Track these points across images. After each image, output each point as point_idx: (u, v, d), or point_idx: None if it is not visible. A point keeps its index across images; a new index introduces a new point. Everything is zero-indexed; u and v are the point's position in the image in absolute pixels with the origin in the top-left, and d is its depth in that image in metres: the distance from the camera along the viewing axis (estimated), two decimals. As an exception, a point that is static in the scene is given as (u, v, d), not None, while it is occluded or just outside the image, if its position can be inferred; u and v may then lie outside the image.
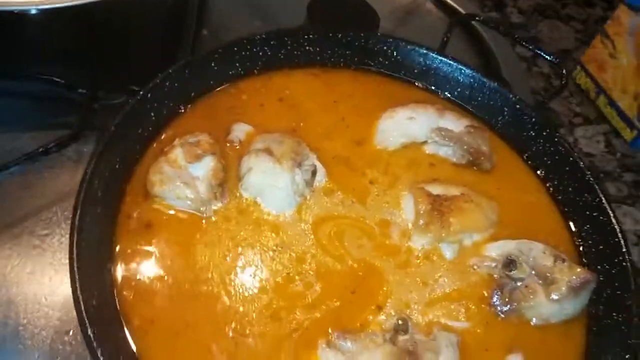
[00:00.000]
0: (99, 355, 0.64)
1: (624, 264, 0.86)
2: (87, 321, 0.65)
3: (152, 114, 0.90)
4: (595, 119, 1.45)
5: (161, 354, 0.71)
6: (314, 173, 0.89)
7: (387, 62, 1.09)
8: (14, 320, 0.86)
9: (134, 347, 0.71)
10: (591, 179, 0.94)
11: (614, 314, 0.83)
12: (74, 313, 0.79)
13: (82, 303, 0.66)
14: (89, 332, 0.65)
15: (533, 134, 1.02)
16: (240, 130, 0.93)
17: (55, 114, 1.08)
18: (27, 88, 1.08)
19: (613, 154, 1.38)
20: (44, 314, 0.88)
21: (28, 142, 1.02)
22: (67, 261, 0.71)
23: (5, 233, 0.94)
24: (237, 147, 0.92)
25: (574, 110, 1.46)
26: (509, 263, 0.84)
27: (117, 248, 0.78)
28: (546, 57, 1.11)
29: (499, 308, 0.83)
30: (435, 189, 0.91)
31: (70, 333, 0.86)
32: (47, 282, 0.91)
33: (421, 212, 0.88)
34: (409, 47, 1.07)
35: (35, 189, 0.99)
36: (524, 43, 1.15)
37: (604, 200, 0.92)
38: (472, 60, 1.38)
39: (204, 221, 0.84)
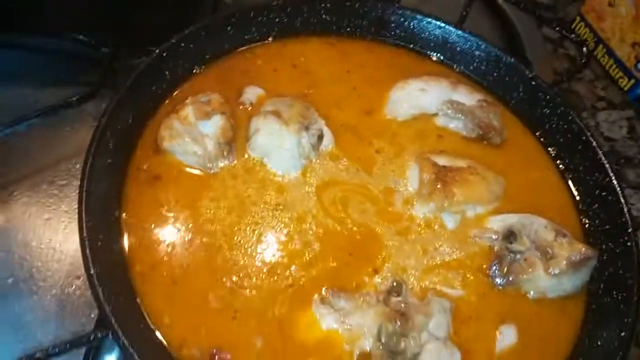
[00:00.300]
0: (99, 292, 0.66)
1: (629, 243, 0.85)
2: (90, 260, 0.68)
3: (167, 73, 0.92)
4: (620, 103, 1.42)
5: (160, 298, 0.74)
6: (320, 137, 0.90)
7: (403, 34, 1.09)
8: (29, 263, 0.91)
9: (134, 290, 0.74)
10: (603, 158, 0.94)
11: (615, 292, 0.83)
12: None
13: (87, 243, 0.70)
14: (92, 270, 0.68)
15: (547, 111, 1.01)
16: (252, 93, 0.95)
17: (78, 71, 1.12)
18: (53, 45, 1.12)
19: (635, 139, 1.35)
20: (57, 258, 0.92)
21: (50, 96, 1.05)
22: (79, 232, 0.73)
23: (25, 181, 0.98)
24: (249, 109, 0.94)
25: (598, 95, 1.43)
26: (509, 235, 0.84)
27: (126, 197, 0.81)
28: (567, 35, 1.09)
29: (496, 279, 0.84)
30: (442, 160, 0.91)
31: (81, 278, 0.90)
32: (61, 230, 0.95)
33: (425, 181, 0.88)
34: (426, 19, 1.07)
35: (55, 141, 1.04)
36: (542, 19, 1.13)
37: (614, 180, 0.91)
38: (496, 39, 1.36)
39: (210, 176, 0.86)
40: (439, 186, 0.87)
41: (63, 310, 0.87)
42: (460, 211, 0.89)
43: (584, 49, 1.07)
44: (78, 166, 1.00)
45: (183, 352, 0.71)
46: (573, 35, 1.12)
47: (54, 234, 0.94)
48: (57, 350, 0.65)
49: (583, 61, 1.08)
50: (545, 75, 1.13)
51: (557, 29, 1.25)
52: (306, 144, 0.88)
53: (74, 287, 0.90)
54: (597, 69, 1.49)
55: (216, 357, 0.71)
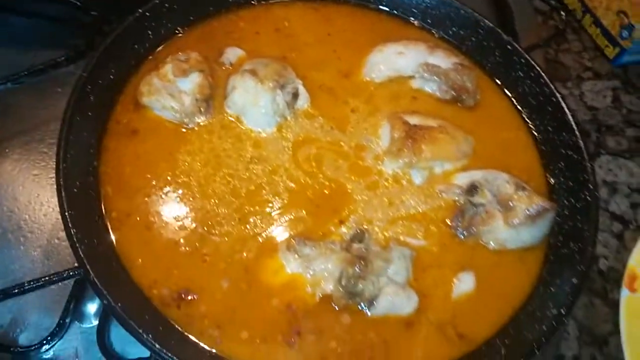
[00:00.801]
0: (72, 232, 0.71)
1: (589, 199, 0.88)
2: (65, 202, 0.73)
3: (150, 32, 0.96)
4: (606, 74, 1.43)
5: (133, 242, 0.79)
6: (295, 95, 0.94)
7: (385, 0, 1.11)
8: (17, 215, 0.96)
9: (109, 235, 0.78)
10: (571, 118, 0.96)
11: (572, 244, 0.86)
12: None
13: (62, 187, 0.74)
14: (66, 212, 0.72)
15: (521, 74, 1.04)
16: (232, 54, 0.99)
17: (68, 35, 1.17)
18: (43, 9, 1.16)
19: (619, 109, 1.37)
20: (44, 212, 0.97)
21: (41, 58, 1.10)
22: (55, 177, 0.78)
23: (16, 139, 1.04)
24: (229, 69, 0.97)
25: (585, 65, 1.45)
26: (472, 189, 0.88)
27: (104, 149, 0.86)
28: (545, 1, 1.11)
29: (458, 231, 0.87)
30: (414, 120, 0.95)
31: (63, 234, 0.95)
32: (49, 185, 1.00)
33: (395, 138, 0.92)
34: (407, -16, 1.09)
35: (46, 101, 1.08)
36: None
37: (579, 140, 0.94)
38: (487, 11, 1.38)
39: (187, 131, 0.90)
40: (408, 143, 0.91)
41: (49, 260, 0.92)
42: (428, 167, 0.92)
43: (562, 14, 1.09)
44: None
45: (153, 292, 0.76)
46: (553, 2, 1.13)
47: (41, 189, 0.99)
48: (32, 285, 0.70)
49: (560, 27, 1.09)
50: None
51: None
52: (281, 101, 0.92)
53: (59, 239, 0.94)
54: (586, 41, 1.51)
55: (182, 296, 0.75)
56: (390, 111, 0.98)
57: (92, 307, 0.87)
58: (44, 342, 0.82)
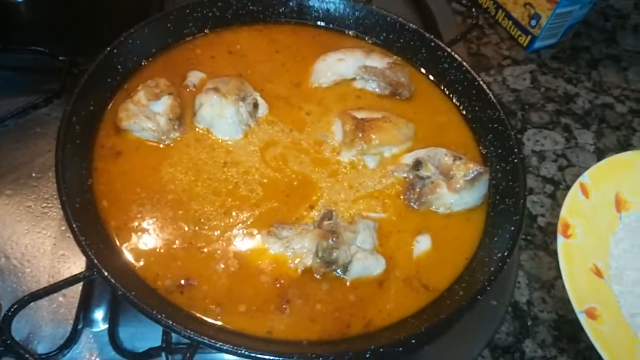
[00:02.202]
0: (82, 241, 0.82)
1: (515, 161, 1.04)
2: (70, 216, 0.84)
3: (119, 66, 1.08)
4: (523, 60, 1.63)
5: (135, 246, 0.90)
6: (255, 105, 1.07)
7: (320, 16, 1.27)
8: (18, 243, 1.05)
9: (111, 240, 0.89)
10: (492, 97, 1.12)
11: (507, 200, 1.01)
12: (67, 236, 1.00)
13: (66, 204, 0.85)
14: (73, 224, 0.83)
15: (447, 66, 1.20)
16: (194, 77, 1.12)
17: (41, 81, 1.27)
18: (16, 60, 1.27)
19: (537, 88, 1.56)
20: (42, 238, 1.06)
21: (19, 104, 1.20)
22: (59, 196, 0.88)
23: (6, 177, 1.13)
24: (193, 90, 1.10)
25: (504, 54, 1.64)
26: (417, 164, 1.02)
27: (95, 169, 0.97)
28: (459, 2, 1.29)
29: (411, 202, 1.02)
30: (360, 114, 1.09)
31: (65, 254, 1.05)
32: (42, 215, 1.09)
33: (347, 131, 1.06)
34: (338, 1, 1.25)
35: (29, 141, 1.19)
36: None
37: (502, 114, 1.10)
38: (412, 17, 1.55)
39: (165, 147, 1.02)
40: (359, 134, 1.05)
41: (53, 278, 1.02)
42: (378, 153, 1.06)
43: (473, 10, 1.27)
44: (51, 160, 1.14)
45: (157, 283, 0.87)
46: (464, 1, 1.31)
47: (36, 218, 1.09)
48: (55, 288, 0.81)
49: (474, 22, 1.27)
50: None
51: (457, 1, 1.44)
52: (244, 112, 1.05)
53: (59, 260, 1.04)
54: (502, 33, 1.70)
55: (184, 283, 0.87)
56: (339, 110, 1.12)
57: (99, 314, 0.97)
58: (61, 348, 0.92)
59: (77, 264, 1.03)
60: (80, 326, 0.95)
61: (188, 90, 1.11)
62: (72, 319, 0.95)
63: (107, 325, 0.96)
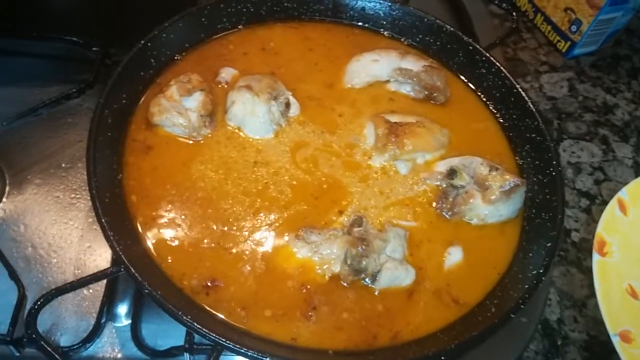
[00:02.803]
0: (110, 236, 0.81)
1: (554, 173, 1.01)
2: (100, 211, 0.83)
3: (152, 60, 1.07)
4: (561, 67, 1.58)
5: (162, 243, 0.89)
6: (287, 105, 1.06)
7: (356, 15, 1.25)
8: (45, 233, 1.05)
9: (139, 236, 0.89)
10: (531, 106, 1.09)
11: (543, 214, 0.98)
12: (94, 228, 1.00)
13: (96, 199, 0.84)
14: (102, 219, 0.82)
15: (484, 71, 1.17)
16: (227, 73, 1.11)
17: (74, 71, 1.27)
18: (50, 49, 1.27)
19: (575, 97, 1.51)
20: (70, 229, 1.06)
21: (52, 93, 1.20)
22: (87, 188, 0.87)
23: (36, 166, 1.13)
24: (225, 87, 1.09)
25: (541, 60, 1.59)
26: (451, 173, 1.00)
27: (125, 164, 0.96)
28: (498, 5, 1.25)
29: (443, 211, 0.99)
30: (393, 118, 1.07)
31: (92, 246, 1.04)
32: (70, 205, 1.09)
33: (380, 135, 1.04)
34: (374, 0, 1.22)
35: (60, 131, 1.19)
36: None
37: (541, 124, 1.07)
38: (448, 17, 1.52)
39: (196, 144, 1.01)
40: (392, 138, 1.03)
41: (79, 270, 1.01)
42: (411, 159, 1.04)
43: (514, 14, 1.23)
44: (81, 151, 1.15)
45: (184, 283, 0.86)
46: (504, 5, 1.27)
47: (64, 209, 1.08)
48: (81, 283, 0.80)
49: (514, 26, 1.23)
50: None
51: (495, 2, 1.41)
52: (275, 111, 1.03)
53: (85, 251, 1.04)
54: (540, 38, 1.66)
55: (210, 284, 0.86)
56: (372, 112, 1.10)
57: (122, 309, 0.97)
58: (84, 341, 0.91)
59: (102, 256, 1.03)
60: (103, 320, 0.94)
61: (220, 86, 1.10)
62: (95, 313, 0.95)
63: (130, 321, 0.95)
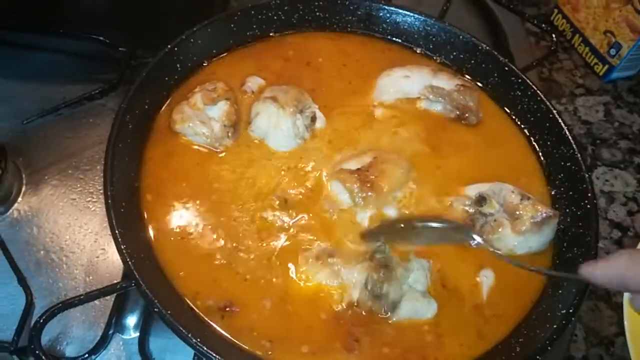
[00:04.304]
0: (122, 249, 0.79)
1: (589, 206, 0.96)
2: (114, 222, 0.80)
3: (178, 65, 1.05)
4: (597, 90, 1.52)
5: (175, 255, 0.86)
6: (313, 119, 1.02)
7: (389, 28, 1.21)
8: (58, 237, 1.03)
9: (152, 248, 0.86)
10: (567, 133, 1.04)
11: (575, 249, 0.93)
12: (109, 234, 0.97)
13: (111, 209, 0.82)
14: (116, 231, 0.80)
15: (519, 93, 1.12)
16: (253, 82, 1.07)
17: (99, 70, 1.25)
18: (76, 46, 1.25)
19: (611, 122, 1.45)
20: (83, 233, 1.04)
21: (75, 92, 1.18)
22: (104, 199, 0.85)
23: (54, 166, 1.11)
24: (251, 97, 1.06)
25: (577, 82, 1.54)
26: (480, 200, 0.95)
27: (144, 171, 0.94)
28: (538, 25, 1.20)
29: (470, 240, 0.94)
30: (349, 165, 0.98)
31: (106, 251, 1.02)
32: (86, 209, 1.07)
33: (353, 190, 0.95)
34: (408, 14, 1.18)
35: (81, 131, 1.16)
36: (521, 14, 1.24)
37: (577, 152, 1.02)
38: (482, 35, 1.47)
39: (218, 154, 0.98)
40: (367, 186, 0.94)
41: (90, 277, 0.99)
42: (394, 199, 0.97)
43: (553, 36, 1.18)
44: (101, 154, 1.12)
45: (197, 303, 0.83)
46: (544, 25, 1.22)
47: (79, 212, 1.06)
48: (89, 298, 0.77)
49: (552, 48, 1.18)
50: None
51: (533, 21, 1.36)
52: (300, 125, 1.00)
53: (98, 257, 1.01)
54: (577, 60, 1.60)
55: (226, 309, 0.82)
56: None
57: (131, 320, 0.94)
58: (90, 352, 0.89)
59: (115, 264, 1.00)
60: (111, 331, 0.92)
61: (245, 96, 1.06)
62: (103, 323, 0.92)
63: (138, 334, 0.92)
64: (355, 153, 1.01)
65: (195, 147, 0.98)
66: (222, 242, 0.89)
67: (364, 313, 0.85)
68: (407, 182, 0.99)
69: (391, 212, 0.96)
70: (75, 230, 1.04)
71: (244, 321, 0.82)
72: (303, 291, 0.86)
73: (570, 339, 1.04)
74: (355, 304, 0.86)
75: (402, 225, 0.90)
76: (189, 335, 0.73)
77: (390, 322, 0.85)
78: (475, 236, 0.89)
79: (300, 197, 0.96)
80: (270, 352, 0.80)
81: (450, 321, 0.86)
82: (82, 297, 0.76)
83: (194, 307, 0.82)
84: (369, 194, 0.93)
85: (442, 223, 0.91)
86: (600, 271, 0.70)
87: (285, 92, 1.02)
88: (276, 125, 0.98)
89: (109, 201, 0.82)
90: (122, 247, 0.79)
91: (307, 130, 1.01)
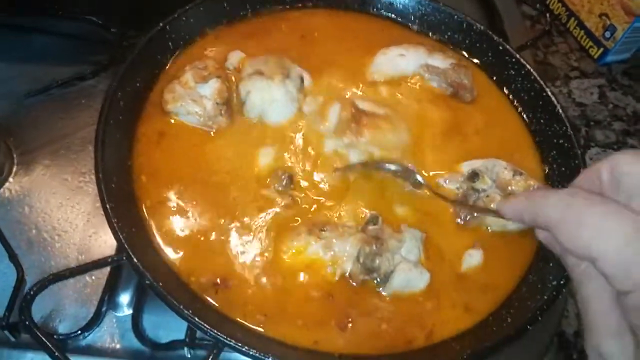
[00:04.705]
0: (114, 223, 0.78)
1: (581, 182, 0.95)
2: (105, 196, 0.80)
3: (170, 43, 1.04)
4: (592, 73, 1.52)
5: (168, 230, 0.86)
6: (302, 79, 1.02)
7: (383, 8, 1.21)
8: (50, 216, 1.02)
9: (145, 223, 0.85)
10: (560, 110, 1.04)
11: (567, 224, 0.93)
12: (101, 214, 0.96)
13: (102, 183, 0.81)
14: (107, 205, 0.79)
15: (513, 72, 1.12)
16: (234, 58, 1.06)
17: (90, 52, 1.25)
18: (67, 28, 1.25)
19: (605, 104, 1.46)
20: (75, 213, 1.03)
21: (66, 73, 1.18)
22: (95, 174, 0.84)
23: (46, 147, 1.11)
24: (233, 73, 1.04)
25: (572, 65, 1.54)
26: (473, 175, 0.95)
27: (136, 149, 0.93)
28: (531, 6, 1.20)
29: (461, 215, 0.94)
30: (364, 104, 1.01)
31: (98, 232, 1.02)
32: (78, 189, 1.06)
33: (342, 119, 0.98)
34: (403, -7, 1.18)
35: (72, 112, 1.16)
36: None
37: (569, 130, 1.02)
38: (477, 17, 1.46)
39: (211, 132, 0.97)
40: (352, 125, 0.96)
41: (82, 255, 0.99)
42: (366, 151, 0.97)
43: (547, 16, 1.18)
44: (92, 134, 1.12)
45: (191, 279, 0.82)
46: (538, 5, 1.22)
47: (71, 192, 1.05)
48: (80, 270, 0.77)
49: (546, 28, 1.18)
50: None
51: (529, 3, 1.36)
52: (292, 89, 0.99)
53: (90, 236, 1.01)
54: (572, 43, 1.60)
55: (219, 282, 0.82)
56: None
57: (124, 298, 0.94)
58: (83, 329, 0.88)
59: (108, 243, 1.00)
60: (104, 309, 0.91)
61: (229, 72, 1.05)
62: (96, 300, 0.92)
63: (131, 311, 0.92)
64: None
65: (189, 125, 0.97)
66: (219, 219, 0.88)
67: (355, 284, 0.84)
68: (393, 149, 0.98)
69: (353, 156, 0.96)
70: (68, 210, 1.04)
71: (238, 296, 0.82)
72: (296, 265, 0.85)
73: (562, 314, 1.04)
74: (348, 275, 0.85)
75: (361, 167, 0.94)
76: (181, 307, 0.72)
77: (386, 297, 0.85)
78: (418, 177, 0.92)
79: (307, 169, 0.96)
80: (263, 325, 0.79)
81: (440, 292, 0.86)
82: (73, 269, 0.76)
83: (188, 283, 0.81)
84: (348, 132, 0.96)
85: (395, 165, 0.93)
86: (510, 205, 0.71)
87: (265, 62, 1.01)
88: (271, 98, 0.98)
89: (100, 175, 0.81)
90: (114, 220, 0.78)
91: (299, 92, 1.01)
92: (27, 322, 0.72)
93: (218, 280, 0.83)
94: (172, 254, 0.84)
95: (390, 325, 0.83)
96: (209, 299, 0.81)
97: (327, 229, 0.88)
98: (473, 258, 0.90)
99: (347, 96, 1.05)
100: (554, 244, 0.69)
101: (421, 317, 0.84)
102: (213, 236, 0.87)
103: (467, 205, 0.93)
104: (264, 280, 0.84)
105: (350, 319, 0.82)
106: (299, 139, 0.98)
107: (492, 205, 0.92)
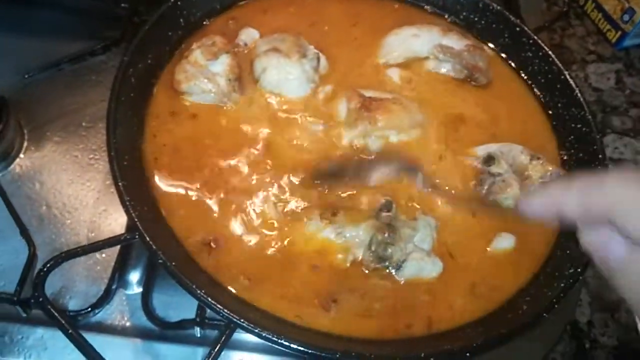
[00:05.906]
0: (126, 201, 0.77)
1: (599, 167, 0.94)
2: (118, 175, 0.79)
3: (182, 20, 1.02)
4: (610, 57, 1.49)
5: (178, 207, 0.85)
6: (318, 59, 1.00)
7: (400, -13, 1.18)
8: (61, 193, 1.02)
9: (158, 203, 0.85)
10: (579, 94, 1.02)
11: (584, 210, 0.91)
12: (111, 191, 0.96)
13: (115, 161, 0.80)
14: (119, 183, 0.78)
15: (530, 54, 1.10)
16: (247, 35, 1.04)
17: (101, 27, 1.23)
18: (78, 3, 1.23)
19: (622, 90, 1.43)
20: (86, 190, 1.03)
21: (77, 49, 1.16)
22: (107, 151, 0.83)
23: (56, 122, 1.10)
24: (245, 52, 1.03)
25: (589, 49, 1.51)
26: (489, 159, 0.93)
27: (148, 127, 0.92)
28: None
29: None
30: (369, 93, 0.99)
31: (107, 209, 1.01)
32: (89, 166, 1.05)
33: (351, 109, 0.96)
34: (416, -28, 1.15)
35: (83, 88, 1.15)
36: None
37: (588, 114, 1.00)
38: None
39: (226, 108, 0.96)
40: (364, 113, 0.94)
41: (92, 233, 0.98)
42: (383, 136, 0.96)
43: (565, -2, 1.15)
44: (103, 111, 1.10)
45: (188, 240, 0.82)
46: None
47: (82, 169, 1.05)
48: (93, 247, 0.76)
49: (564, 10, 1.15)
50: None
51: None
52: (309, 68, 0.98)
53: (100, 214, 1.00)
54: (589, 26, 1.57)
55: (211, 243, 0.82)
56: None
57: (134, 276, 0.93)
58: (93, 307, 0.88)
59: (118, 221, 0.99)
60: (114, 286, 0.91)
61: (240, 49, 1.03)
62: (107, 278, 0.91)
63: (141, 289, 0.92)
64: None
65: (201, 104, 0.96)
66: (233, 197, 0.88)
67: (367, 271, 0.83)
68: (410, 128, 0.97)
69: (372, 144, 0.95)
70: (78, 187, 1.03)
71: (228, 257, 0.82)
72: (304, 247, 0.84)
73: (576, 303, 1.03)
74: (360, 261, 0.84)
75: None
76: (194, 286, 0.72)
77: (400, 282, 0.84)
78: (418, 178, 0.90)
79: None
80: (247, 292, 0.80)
81: (454, 281, 0.85)
82: (86, 247, 0.75)
83: (198, 261, 0.80)
84: (361, 120, 0.94)
85: (396, 159, 0.92)
86: (535, 200, 0.61)
87: (282, 40, 0.99)
88: (287, 76, 0.96)
89: (112, 153, 0.80)
90: (126, 198, 0.77)
91: (315, 72, 0.99)
92: (40, 299, 0.71)
93: (211, 242, 0.83)
94: (183, 231, 0.83)
95: (398, 314, 0.82)
96: (203, 265, 0.81)
97: (339, 213, 0.86)
98: (489, 247, 0.88)
99: (355, 84, 1.02)
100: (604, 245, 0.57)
101: (433, 304, 0.83)
102: (226, 214, 0.86)
103: (472, 201, 0.92)
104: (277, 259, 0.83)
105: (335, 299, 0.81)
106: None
107: (508, 190, 0.91)
